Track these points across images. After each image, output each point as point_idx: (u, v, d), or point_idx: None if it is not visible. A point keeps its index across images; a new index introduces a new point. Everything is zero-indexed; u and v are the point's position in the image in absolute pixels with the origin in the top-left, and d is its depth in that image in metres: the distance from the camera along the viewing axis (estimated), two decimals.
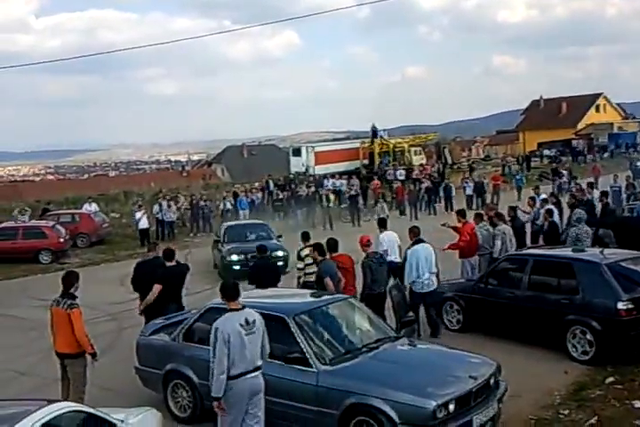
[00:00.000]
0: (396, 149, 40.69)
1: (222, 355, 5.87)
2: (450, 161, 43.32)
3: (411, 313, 9.99)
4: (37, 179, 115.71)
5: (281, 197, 28.81)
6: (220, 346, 5.88)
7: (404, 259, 10.50)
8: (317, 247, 9.71)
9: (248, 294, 8.12)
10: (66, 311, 7.37)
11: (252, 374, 6.05)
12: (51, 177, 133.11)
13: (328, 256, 9.66)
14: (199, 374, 7.29)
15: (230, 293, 6.26)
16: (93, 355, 7.51)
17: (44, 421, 4.72)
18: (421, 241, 10.39)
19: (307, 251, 10.29)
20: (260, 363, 6.13)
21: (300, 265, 10.46)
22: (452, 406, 6.08)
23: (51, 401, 5.24)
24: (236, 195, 28.68)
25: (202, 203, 26.72)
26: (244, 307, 6.20)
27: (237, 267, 16.13)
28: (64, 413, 5.06)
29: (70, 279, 7.65)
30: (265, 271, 10.43)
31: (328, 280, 9.09)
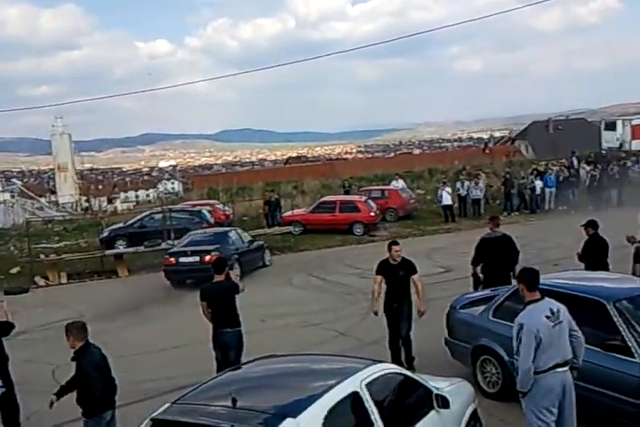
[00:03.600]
0: None
1: (529, 350, 5.63)
2: None
3: None
4: (349, 157, 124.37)
5: (594, 174, 26.92)
6: (526, 341, 5.64)
7: None
8: None
9: (557, 275, 7.87)
10: None
11: (562, 369, 5.75)
12: (360, 155, 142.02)
13: None
14: (509, 352, 7.26)
15: (533, 282, 5.91)
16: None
17: (369, 379, 5.12)
18: None
19: None
20: (569, 356, 5.82)
21: None
22: None
23: (375, 361, 5.67)
24: (539, 173, 27.56)
25: (518, 181, 26.13)
26: (543, 297, 5.92)
27: None
28: (386, 373, 5.44)
29: None
30: None
31: None
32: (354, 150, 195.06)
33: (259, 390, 5.08)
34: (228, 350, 8.33)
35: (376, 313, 8.87)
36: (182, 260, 16.14)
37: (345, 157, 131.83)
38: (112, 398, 6.42)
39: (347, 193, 27.91)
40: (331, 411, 4.58)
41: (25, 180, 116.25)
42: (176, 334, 11.61)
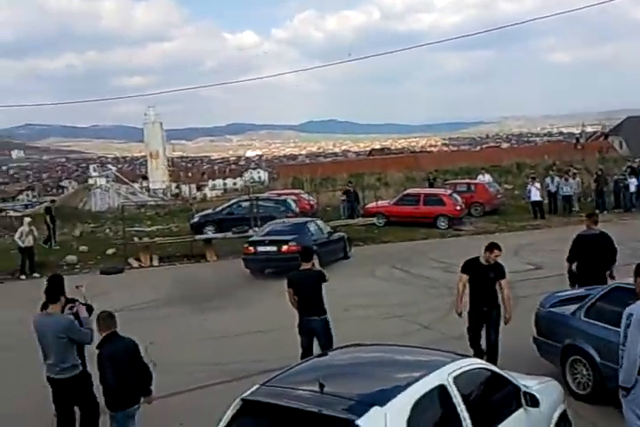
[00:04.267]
0: None
1: (636, 341, 5.44)
2: None
3: None
4: (434, 150, 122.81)
5: None
6: (633, 333, 5.45)
7: None
8: None
9: None
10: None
11: None
12: (445, 149, 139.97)
13: None
14: (602, 353, 7.05)
15: None
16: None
17: (456, 373, 5.06)
18: None
19: None
20: None
21: None
22: None
23: (461, 355, 5.61)
24: (634, 170, 26.34)
25: (612, 178, 25.10)
26: None
27: None
28: (473, 368, 5.37)
29: None
30: None
31: None
32: (438, 143, 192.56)
33: (345, 377, 5.12)
34: (316, 337, 8.41)
35: (460, 314, 8.58)
36: (260, 249, 16.07)
37: (429, 149, 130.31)
38: (132, 394, 6.24)
39: (431, 186, 27.59)
40: (417, 402, 4.56)
41: (119, 166, 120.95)
42: (261, 319, 11.86)
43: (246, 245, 16.53)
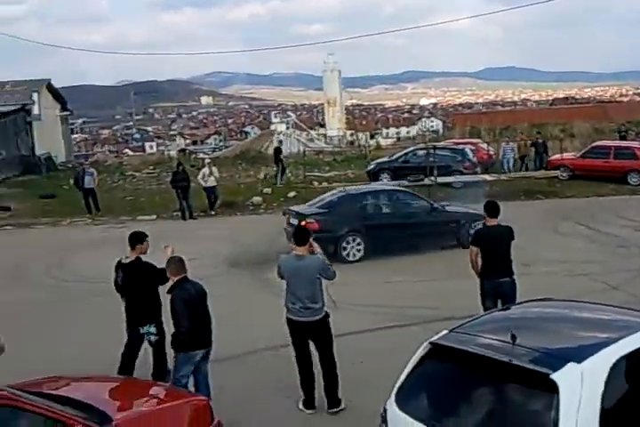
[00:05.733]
0: None
1: None
2: None
3: None
4: (624, 100, 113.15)
5: None
6: None
7: None
8: None
9: None
10: None
11: None
12: (638, 98, 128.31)
13: None
14: None
15: None
16: None
17: None
18: None
19: None
20: None
21: None
22: None
23: None
24: None
25: None
26: None
27: None
28: None
29: None
30: None
31: None
32: (629, 93, 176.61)
33: (536, 331, 4.97)
34: (501, 300, 7.64)
35: None
36: (292, 220, 13.41)
37: (619, 99, 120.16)
38: (204, 337, 6.35)
39: (622, 139, 25.64)
40: (617, 363, 4.33)
41: (298, 113, 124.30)
42: (440, 269, 11.85)
43: (282, 214, 14.72)
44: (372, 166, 23.23)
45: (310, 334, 6.66)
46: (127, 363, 6.99)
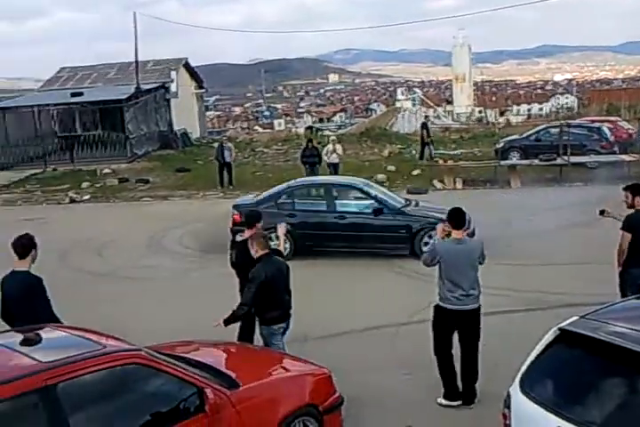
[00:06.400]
0: None
1: None
2: None
3: None
4: None
5: None
6: None
7: None
8: None
9: None
10: None
11: None
12: None
13: None
14: None
15: None
16: None
17: None
18: None
19: None
20: None
21: None
22: None
23: None
24: None
25: None
26: None
27: None
28: None
29: None
30: None
31: None
32: None
33: None
34: None
35: None
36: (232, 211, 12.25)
37: None
38: (284, 312, 6.43)
39: None
40: None
41: (424, 89, 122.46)
42: (564, 250, 11.39)
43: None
44: (502, 144, 22.58)
45: (462, 324, 6.25)
46: (245, 334, 7.12)
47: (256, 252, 6.37)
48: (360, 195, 12.10)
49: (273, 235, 8.63)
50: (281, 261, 6.53)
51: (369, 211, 11.65)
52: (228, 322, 6.14)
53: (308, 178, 15.71)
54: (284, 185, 12.87)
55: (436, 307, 6.32)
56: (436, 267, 6.27)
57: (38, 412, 4.08)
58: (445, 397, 6.34)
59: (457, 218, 6.26)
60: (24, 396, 4.02)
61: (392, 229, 11.40)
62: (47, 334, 5.07)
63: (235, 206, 12.11)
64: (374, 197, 11.90)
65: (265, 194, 12.72)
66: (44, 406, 4.08)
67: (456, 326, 6.27)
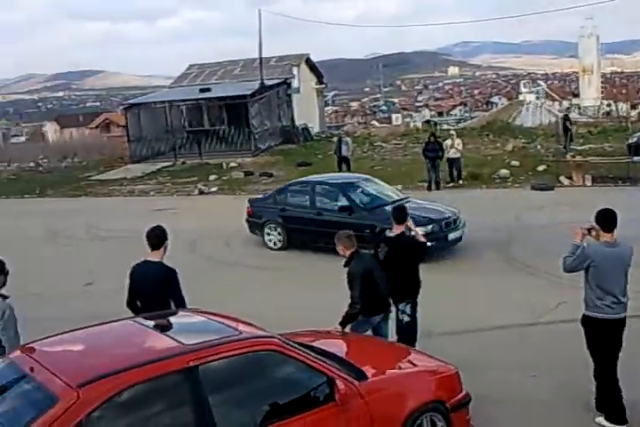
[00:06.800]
0: None
1: None
2: None
3: None
4: None
5: None
6: None
7: None
8: None
9: None
10: None
11: None
12: None
13: None
14: None
15: None
16: None
17: None
18: None
19: None
20: None
21: None
22: None
23: None
24: None
25: None
26: None
27: None
28: None
29: None
30: None
31: None
32: None
33: None
34: None
35: None
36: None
37: None
38: (381, 303, 6.61)
39: None
40: None
41: (549, 82, 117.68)
42: None
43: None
44: (634, 139, 21.28)
45: (613, 335, 5.68)
46: None
47: (343, 251, 6.57)
48: (336, 193, 12.59)
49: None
50: (369, 256, 6.81)
51: (338, 209, 12.19)
52: (344, 324, 6.35)
53: (318, 176, 15.39)
54: (290, 182, 14.34)
55: (586, 319, 5.77)
56: (566, 267, 5.75)
57: (182, 391, 4.31)
58: (609, 419, 5.73)
59: (608, 219, 5.66)
60: (170, 375, 4.28)
61: (359, 228, 10.93)
62: (187, 318, 5.36)
63: (249, 201, 13.71)
64: (347, 196, 12.29)
65: (271, 191, 14.34)
66: (187, 386, 4.31)
67: (615, 337, 5.71)
